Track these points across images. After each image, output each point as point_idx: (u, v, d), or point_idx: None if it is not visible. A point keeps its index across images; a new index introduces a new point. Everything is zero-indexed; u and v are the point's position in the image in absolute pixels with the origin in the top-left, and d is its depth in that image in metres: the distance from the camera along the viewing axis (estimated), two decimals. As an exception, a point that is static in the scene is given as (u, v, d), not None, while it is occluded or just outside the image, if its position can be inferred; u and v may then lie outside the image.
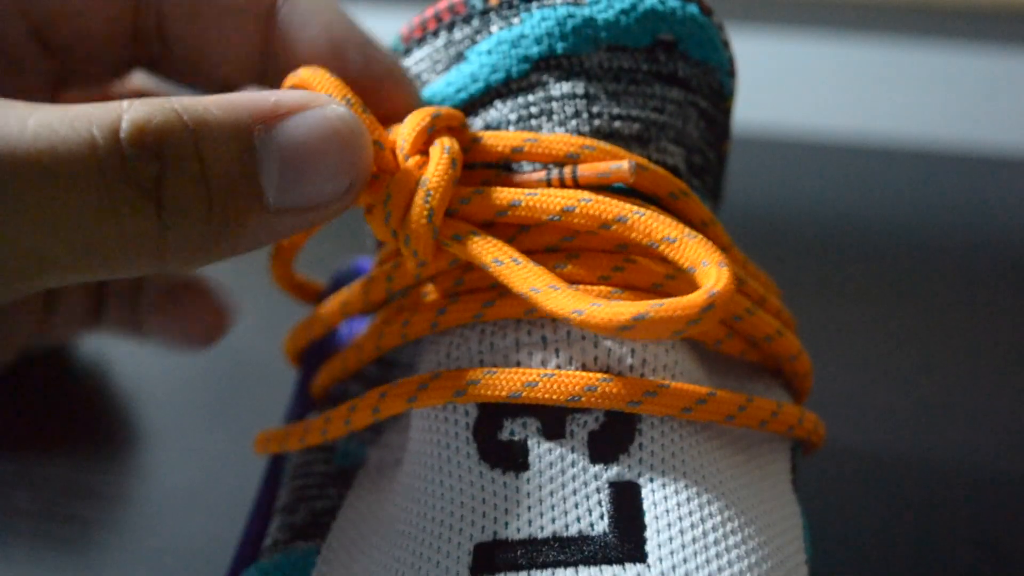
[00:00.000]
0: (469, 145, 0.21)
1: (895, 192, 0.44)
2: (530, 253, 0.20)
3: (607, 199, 0.19)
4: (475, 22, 0.22)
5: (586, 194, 0.20)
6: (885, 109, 0.50)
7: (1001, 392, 0.35)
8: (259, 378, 0.36)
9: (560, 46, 0.22)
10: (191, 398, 0.35)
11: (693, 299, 0.18)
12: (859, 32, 0.54)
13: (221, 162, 0.18)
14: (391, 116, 0.22)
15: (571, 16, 0.22)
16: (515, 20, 0.22)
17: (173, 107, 0.18)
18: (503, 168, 0.21)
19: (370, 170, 0.20)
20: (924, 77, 0.52)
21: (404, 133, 0.20)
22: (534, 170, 0.21)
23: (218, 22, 0.23)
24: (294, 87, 0.21)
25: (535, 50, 0.22)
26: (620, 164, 0.19)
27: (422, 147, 0.20)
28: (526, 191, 0.20)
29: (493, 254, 0.19)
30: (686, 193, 0.21)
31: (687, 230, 0.19)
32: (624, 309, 0.18)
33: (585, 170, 0.20)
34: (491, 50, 0.22)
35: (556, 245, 0.21)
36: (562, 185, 0.20)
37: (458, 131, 0.21)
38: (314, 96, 0.19)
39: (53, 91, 0.24)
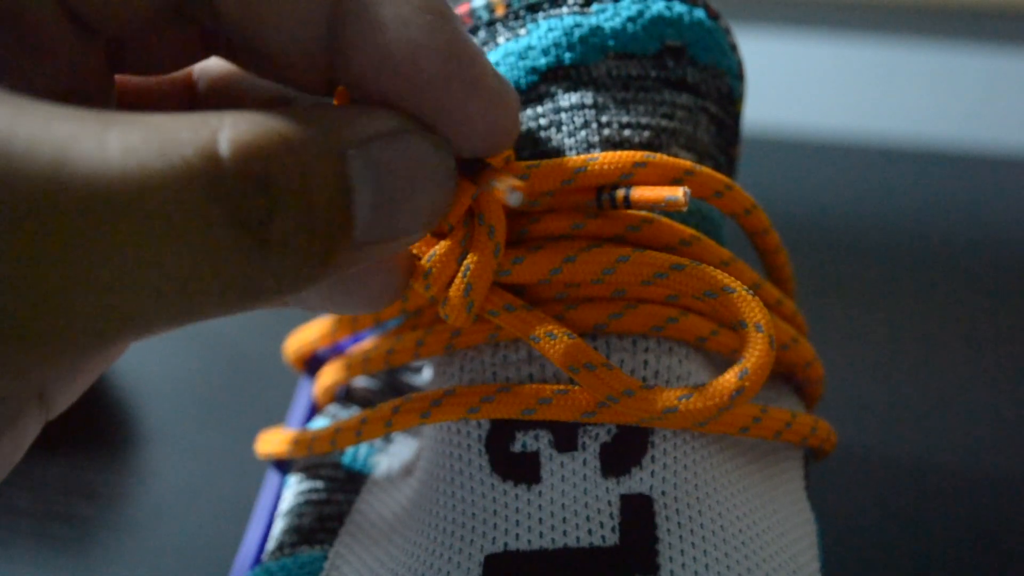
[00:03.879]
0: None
1: (895, 192, 0.44)
2: (579, 303, 0.20)
3: (645, 256, 0.19)
4: (482, 34, 0.22)
5: (624, 251, 0.19)
6: (885, 109, 0.50)
7: (1001, 392, 0.35)
8: (259, 378, 0.36)
9: (567, 56, 0.21)
10: (191, 398, 0.35)
11: (723, 386, 0.18)
12: (859, 32, 0.54)
13: (323, 193, 0.15)
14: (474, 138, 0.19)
15: (578, 25, 0.21)
16: (522, 31, 0.22)
17: (273, 126, 0.15)
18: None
19: (451, 205, 0.18)
20: (924, 77, 0.52)
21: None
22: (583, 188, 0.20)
23: (275, 5, 0.19)
24: None
25: (542, 61, 0.21)
26: (675, 196, 0.19)
27: (465, 213, 0.20)
28: (564, 256, 0.19)
29: (528, 331, 0.19)
30: (730, 188, 0.21)
31: (724, 283, 0.19)
32: (653, 403, 0.18)
33: (638, 199, 0.20)
34: (498, 62, 0.22)
35: (609, 295, 0.21)
36: (613, 207, 0.20)
37: (507, 168, 0.20)
38: (404, 118, 0.17)
39: (106, 77, 0.20)
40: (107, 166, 0.13)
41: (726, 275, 0.19)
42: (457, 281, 0.19)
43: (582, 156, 0.20)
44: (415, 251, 0.20)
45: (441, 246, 0.20)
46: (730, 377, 0.18)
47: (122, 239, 0.13)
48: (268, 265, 0.15)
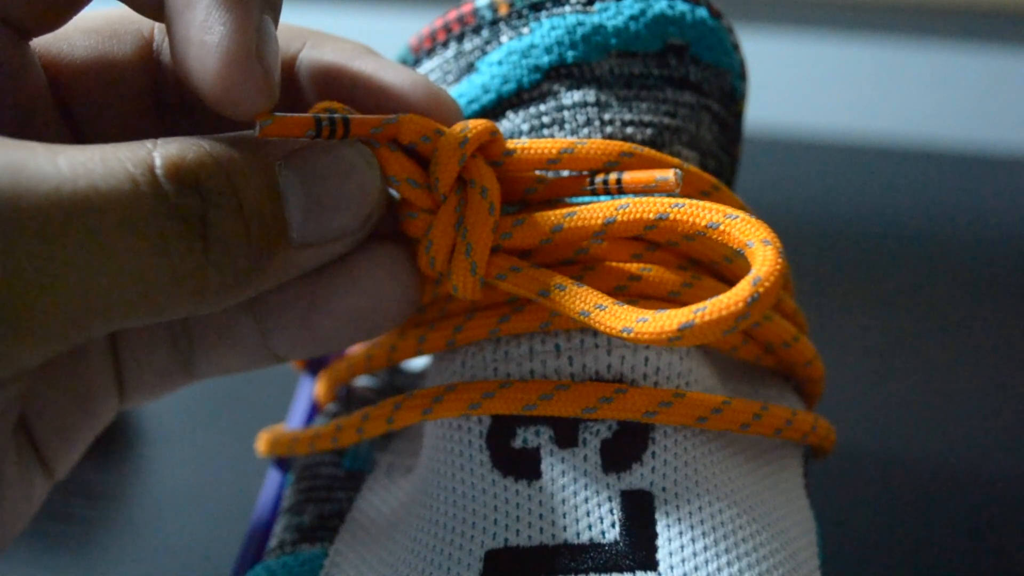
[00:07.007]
0: (502, 159, 0.20)
1: (895, 192, 0.44)
2: (548, 267, 0.20)
3: (642, 201, 0.19)
4: (485, 32, 0.22)
5: (622, 200, 0.19)
6: (885, 109, 0.50)
7: (1001, 392, 0.35)
8: (259, 378, 0.36)
9: (570, 54, 0.21)
10: (191, 398, 0.35)
11: (737, 293, 0.17)
12: (859, 32, 0.54)
13: (253, 197, 0.18)
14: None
15: (580, 24, 0.21)
16: (525, 30, 0.22)
17: (201, 144, 0.17)
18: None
19: (384, 202, 0.20)
20: (924, 77, 0.52)
21: (436, 172, 0.20)
22: (575, 175, 0.21)
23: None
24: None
25: (545, 59, 0.22)
26: (666, 176, 0.19)
27: (456, 182, 0.20)
28: (565, 212, 0.20)
29: (538, 287, 0.19)
30: (718, 188, 0.21)
31: (727, 211, 0.19)
32: (670, 320, 0.18)
33: (629, 182, 0.20)
34: (501, 60, 0.22)
35: (572, 258, 0.21)
36: (606, 191, 0.20)
37: (491, 144, 0.20)
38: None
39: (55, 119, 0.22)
40: (59, 177, 0.15)
41: (728, 207, 0.19)
42: (457, 245, 0.20)
43: (570, 139, 0.20)
44: (415, 234, 0.20)
45: (438, 217, 0.20)
46: (744, 286, 0.17)
47: (77, 237, 0.15)
48: (210, 258, 0.17)
